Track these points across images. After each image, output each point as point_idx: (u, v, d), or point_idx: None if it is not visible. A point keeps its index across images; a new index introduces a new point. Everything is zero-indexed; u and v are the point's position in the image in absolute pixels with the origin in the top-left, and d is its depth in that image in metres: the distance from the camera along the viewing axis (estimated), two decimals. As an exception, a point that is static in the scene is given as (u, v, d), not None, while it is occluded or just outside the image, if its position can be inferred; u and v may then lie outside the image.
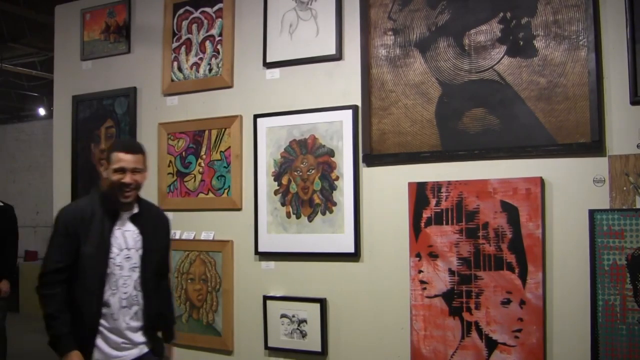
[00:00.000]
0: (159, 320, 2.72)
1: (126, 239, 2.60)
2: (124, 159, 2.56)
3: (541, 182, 2.65)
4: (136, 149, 2.63)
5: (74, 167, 4.01)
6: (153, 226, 2.71)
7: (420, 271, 2.86)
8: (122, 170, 2.55)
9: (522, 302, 2.64)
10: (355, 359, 3.05)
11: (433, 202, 2.85)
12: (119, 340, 2.55)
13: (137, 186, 2.62)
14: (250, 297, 3.32)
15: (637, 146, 2.51)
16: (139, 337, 2.61)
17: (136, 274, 2.60)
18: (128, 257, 2.58)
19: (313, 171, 3.17)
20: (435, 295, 2.83)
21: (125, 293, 2.56)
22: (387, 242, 2.98)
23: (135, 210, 2.67)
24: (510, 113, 2.73)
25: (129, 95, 3.79)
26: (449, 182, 2.82)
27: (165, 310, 2.81)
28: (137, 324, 2.60)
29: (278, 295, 3.24)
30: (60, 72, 4.19)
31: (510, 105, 2.74)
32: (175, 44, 3.65)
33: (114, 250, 2.55)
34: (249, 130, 3.38)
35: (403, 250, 2.91)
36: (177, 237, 3.56)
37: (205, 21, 3.56)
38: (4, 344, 5.06)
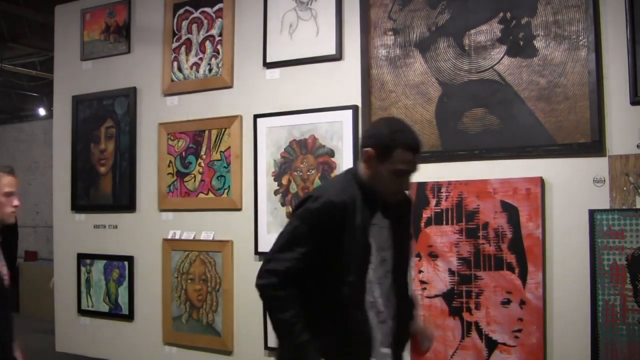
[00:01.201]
0: (406, 339, 2.14)
1: (381, 237, 2.03)
2: (411, 160, 1.94)
3: (541, 182, 2.64)
4: (420, 148, 1.99)
5: (74, 167, 4.01)
6: (400, 216, 2.11)
7: (420, 271, 2.86)
8: (403, 174, 1.95)
9: (522, 302, 2.64)
10: (355, 359, 3.04)
11: (433, 202, 2.85)
12: None
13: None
14: (250, 297, 3.30)
15: (637, 146, 2.51)
16: None
17: (389, 280, 2.05)
18: (383, 261, 2.03)
19: (313, 171, 3.17)
20: (435, 295, 2.83)
21: (381, 305, 2.03)
22: (387, 242, 2.97)
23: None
24: (510, 113, 2.73)
25: (129, 95, 3.79)
26: (449, 182, 2.82)
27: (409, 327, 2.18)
28: (386, 346, 2.05)
29: (278, 295, 3.24)
30: (60, 72, 4.19)
31: (510, 105, 2.73)
32: (175, 44, 3.65)
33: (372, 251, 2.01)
34: (249, 130, 3.37)
35: (403, 250, 2.91)
36: (177, 237, 3.56)
37: (205, 21, 3.56)
38: (4, 344, 5.06)
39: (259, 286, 1.99)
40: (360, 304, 1.96)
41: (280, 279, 1.96)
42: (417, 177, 2.89)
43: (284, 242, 1.99)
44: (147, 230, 3.70)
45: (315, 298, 1.99)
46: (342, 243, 1.93)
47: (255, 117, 3.34)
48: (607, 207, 2.53)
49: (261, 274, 1.98)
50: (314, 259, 1.95)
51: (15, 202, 2.59)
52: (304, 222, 1.96)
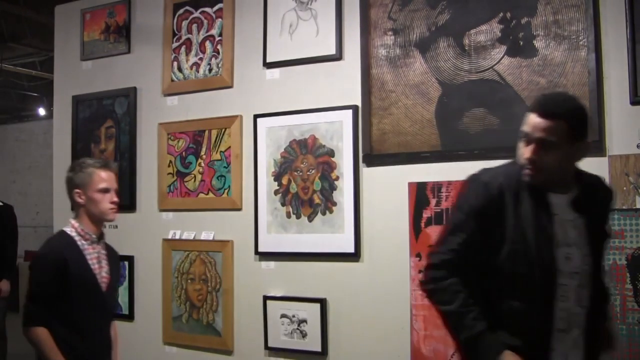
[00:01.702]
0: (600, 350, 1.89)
1: (565, 231, 1.82)
2: (537, 123, 1.77)
3: (541, 182, 2.64)
4: (555, 113, 1.76)
5: (74, 167, 4.01)
6: (598, 210, 1.92)
7: (420, 271, 2.86)
8: (531, 140, 1.78)
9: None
10: (356, 358, 3.04)
11: (433, 202, 2.85)
12: None
13: (541, 166, 1.80)
14: (250, 297, 3.32)
15: (637, 146, 2.51)
16: None
17: (575, 282, 1.80)
18: (567, 258, 1.80)
19: (313, 171, 3.17)
20: (435, 295, 2.82)
21: (563, 310, 1.79)
22: (387, 242, 2.98)
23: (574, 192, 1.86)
24: (510, 113, 2.73)
25: (129, 95, 3.79)
26: (449, 182, 2.82)
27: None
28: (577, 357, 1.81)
29: (278, 295, 3.24)
30: (60, 72, 4.19)
31: (510, 105, 2.73)
32: (175, 44, 3.65)
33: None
34: (249, 130, 3.37)
35: (403, 250, 2.91)
36: (177, 237, 3.56)
37: (205, 21, 3.56)
38: (4, 344, 5.07)
39: (420, 284, 1.88)
40: (526, 299, 1.75)
41: (439, 271, 1.82)
42: (417, 177, 2.91)
43: (443, 233, 1.89)
44: (147, 230, 3.70)
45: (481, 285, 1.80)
46: (504, 229, 1.76)
47: (255, 117, 3.34)
48: (607, 207, 2.53)
49: (423, 272, 1.89)
50: (477, 246, 1.79)
51: (114, 199, 2.46)
52: (459, 208, 1.87)
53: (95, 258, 2.49)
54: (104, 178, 2.47)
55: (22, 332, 2.38)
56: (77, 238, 2.46)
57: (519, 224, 1.78)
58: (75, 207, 2.52)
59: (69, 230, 2.48)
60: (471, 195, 1.84)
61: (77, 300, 2.40)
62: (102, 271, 2.49)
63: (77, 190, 2.46)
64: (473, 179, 1.88)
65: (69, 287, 2.37)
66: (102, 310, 2.52)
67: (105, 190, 2.47)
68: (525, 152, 1.79)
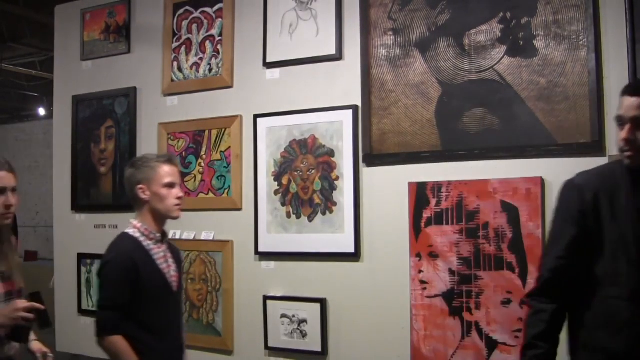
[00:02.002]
0: None
1: None
2: (630, 103, 1.70)
3: (541, 182, 2.64)
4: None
5: (74, 167, 4.01)
6: None
7: (420, 271, 2.86)
8: (625, 122, 1.70)
9: (523, 302, 2.64)
10: (356, 359, 3.04)
11: (433, 202, 2.85)
12: None
13: (638, 145, 1.70)
14: (251, 297, 3.32)
15: (637, 146, 2.51)
16: None
17: None
18: None
19: (313, 171, 3.17)
20: (436, 295, 2.83)
21: None
22: (387, 242, 2.98)
23: None
24: (510, 113, 2.73)
25: (129, 95, 3.79)
26: (449, 182, 2.82)
27: None
28: None
29: (278, 295, 3.24)
30: (60, 72, 4.19)
31: (510, 105, 2.73)
32: (175, 44, 3.65)
33: None
34: (249, 130, 3.38)
35: (403, 250, 2.91)
36: (177, 237, 3.56)
37: (205, 21, 3.56)
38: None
39: (525, 295, 1.87)
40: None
41: (538, 289, 1.84)
42: (417, 177, 2.91)
43: (547, 244, 1.87)
44: (147, 230, 3.69)
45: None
46: (603, 230, 1.70)
47: (255, 117, 3.34)
48: (607, 207, 2.53)
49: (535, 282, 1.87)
50: (580, 250, 1.72)
51: (180, 194, 2.36)
52: (557, 215, 1.82)
53: (162, 258, 2.40)
54: (169, 172, 2.37)
55: (97, 342, 2.29)
56: (142, 239, 2.37)
57: (617, 223, 1.72)
58: (137, 205, 2.41)
59: (131, 231, 2.39)
60: (566, 200, 1.82)
61: (150, 304, 2.31)
62: (170, 270, 2.41)
63: (141, 186, 2.35)
64: (567, 184, 1.85)
65: (140, 291, 2.28)
66: (174, 311, 2.44)
67: (171, 185, 2.37)
68: (621, 134, 1.74)
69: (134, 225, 2.40)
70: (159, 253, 2.41)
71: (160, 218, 2.41)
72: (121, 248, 2.35)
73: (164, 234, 2.47)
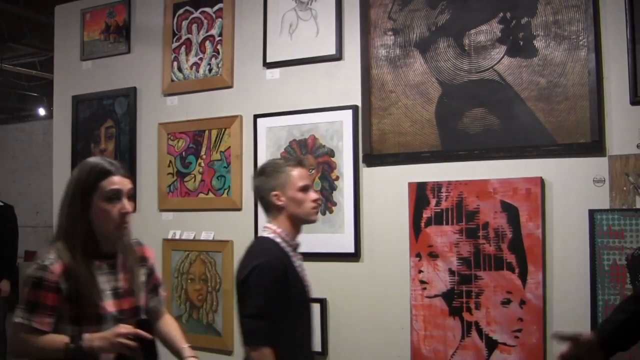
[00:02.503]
0: None
1: None
2: None
3: (541, 182, 2.64)
4: None
5: (74, 167, 4.00)
6: None
7: (420, 271, 2.86)
8: None
9: (522, 302, 2.64)
10: (355, 359, 3.04)
11: (433, 202, 2.85)
12: None
13: None
14: (250, 297, 3.31)
15: (637, 146, 2.51)
16: None
17: None
18: None
19: (313, 171, 3.17)
20: (435, 295, 2.82)
21: None
22: (387, 242, 2.98)
23: None
24: (510, 113, 2.73)
25: (129, 95, 3.79)
26: (449, 182, 2.82)
27: None
28: None
29: (278, 295, 3.24)
30: (60, 72, 4.19)
31: (510, 105, 2.73)
32: (175, 44, 3.65)
33: None
34: (249, 130, 3.37)
35: (403, 250, 2.91)
36: (177, 237, 3.56)
37: (205, 21, 3.56)
38: (3, 344, 5.07)
39: None
40: None
41: None
42: (417, 177, 2.91)
43: None
44: (147, 230, 3.68)
45: None
46: None
47: (255, 117, 3.34)
48: (607, 207, 2.53)
49: None
50: None
51: (315, 196, 2.25)
52: None
53: (299, 266, 2.29)
54: (302, 175, 2.27)
55: (245, 352, 2.18)
56: (283, 244, 2.24)
57: None
58: (272, 212, 2.28)
59: (272, 236, 2.25)
60: None
61: (291, 312, 2.18)
62: (305, 278, 2.30)
63: (275, 193, 2.24)
64: None
65: (285, 299, 2.14)
66: (310, 321, 2.33)
67: (306, 188, 2.26)
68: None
69: (273, 230, 2.26)
70: (297, 261, 2.29)
71: (298, 223, 2.29)
72: (270, 252, 2.20)
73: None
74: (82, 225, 1.92)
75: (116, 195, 1.95)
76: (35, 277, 1.87)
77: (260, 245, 2.28)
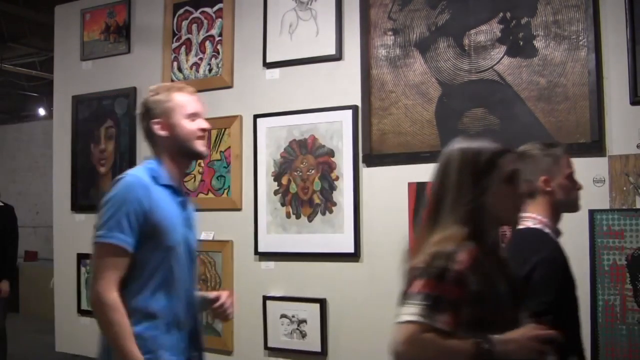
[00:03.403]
0: None
1: None
2: None
3: (541, 182, 2.64)
4: None
5: (74, 167, 4.01)
6: None
7: (420, 271, 2.85)
8: None
9: None
10: (355, 359, 3.04)
11: (433, 202, 2.84)
12: None
13: None
14: (250, 297, 3.32)
15: (637, 146, 2.51)
16: None
17: None
18: None
19: (313, 171, 3.17)
20: (435, 296, 2.82)
21: None
22: (387, 242, 2.97)
23: None
24: (510, 113, 2.73)
25: (129, 95, 3.79)
26: (449, 182, 2.81)
27: None
28: None
29: (278, 295, 3.24)
30: (60, 72, 4.19)
31: (510, 105, 2.73)
32: (175, 44, 3.65)
33: None
34: (249, 130, 3.37)
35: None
36: (177, 237, 3.55)
37: (205, 21, 3.56)
38: (4, 344, 5.06)
39: None
40: None
41: None
42: (417, 177, 2.91)
43: None
44: (147, 230, 3.69)
45: None
46: None
47: (255, 117, 3.34)
48: (607, 207, 2.53)
49: None
50: None
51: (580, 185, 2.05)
52: None
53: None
54: (571, 163, 2.08)
55: None
56: (552, 235, 2.00)
57: None
58: (536, 196, 2.02)
59: (539, 226, 1.99)
60: None
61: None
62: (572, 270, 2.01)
63: (545, 178, 2.02)
64: None
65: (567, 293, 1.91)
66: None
67: (575, 176, 2.08)
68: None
69: (539, 220, 2.00)
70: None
71: (559, 213, 2.07)
72: (551, 244, 1.97)
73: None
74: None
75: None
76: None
77: (533, 237, 2.00)
